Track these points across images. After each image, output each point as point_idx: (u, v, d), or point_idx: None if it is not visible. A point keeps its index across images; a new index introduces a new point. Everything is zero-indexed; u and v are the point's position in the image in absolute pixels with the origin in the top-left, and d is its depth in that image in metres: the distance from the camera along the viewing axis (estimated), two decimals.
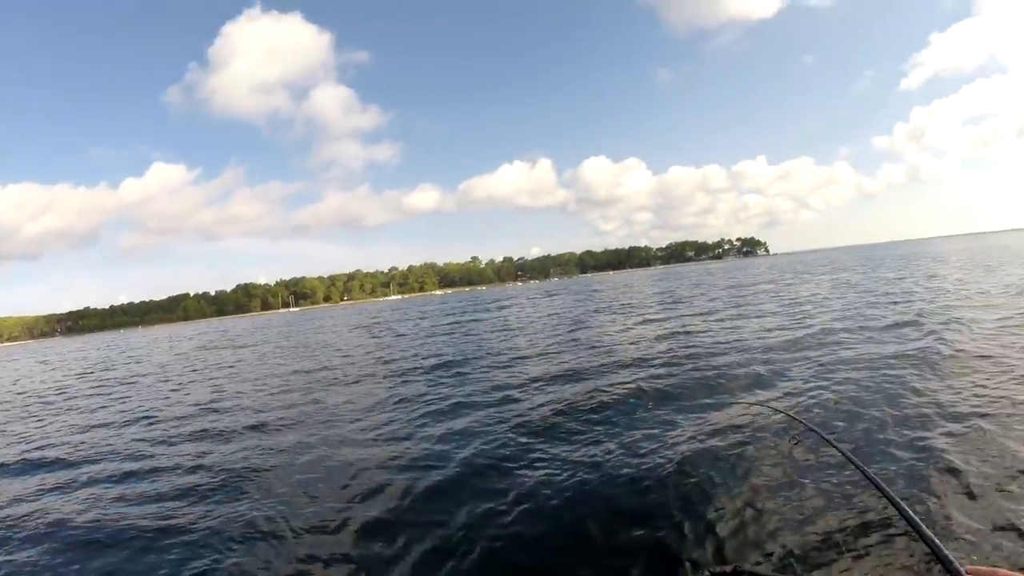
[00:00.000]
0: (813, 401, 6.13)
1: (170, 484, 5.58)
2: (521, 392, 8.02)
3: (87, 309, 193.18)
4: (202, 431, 7.79)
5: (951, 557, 1.08)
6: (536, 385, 8.42)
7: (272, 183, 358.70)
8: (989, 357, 7.29)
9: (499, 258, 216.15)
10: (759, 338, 10.73)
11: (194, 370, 17.19)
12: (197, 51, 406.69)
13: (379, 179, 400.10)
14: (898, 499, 1.45)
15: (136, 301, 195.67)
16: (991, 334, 8.77)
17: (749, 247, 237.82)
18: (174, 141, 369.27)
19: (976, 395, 5.70)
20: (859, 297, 17.04)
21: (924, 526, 1.25)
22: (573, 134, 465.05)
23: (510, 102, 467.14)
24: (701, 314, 17.05)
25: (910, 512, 1.35)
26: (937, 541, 1.16)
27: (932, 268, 27.99)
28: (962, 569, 1.03)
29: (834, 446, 2.24)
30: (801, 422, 2.84)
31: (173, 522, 4.58)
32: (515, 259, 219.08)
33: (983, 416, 5.05)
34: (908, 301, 14.43)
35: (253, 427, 7.61)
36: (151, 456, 6.81)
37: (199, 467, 6.03)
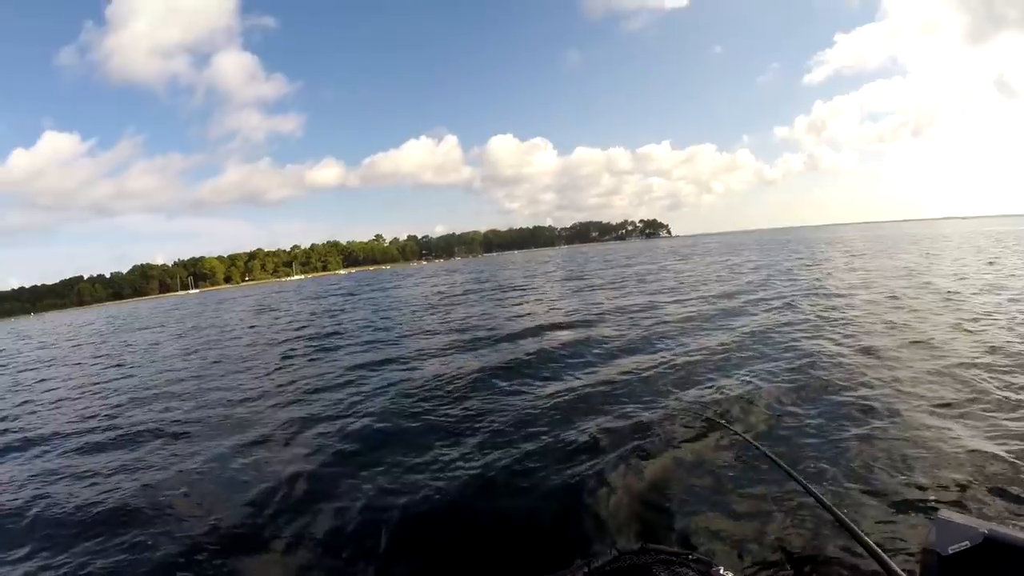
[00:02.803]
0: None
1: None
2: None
3: None
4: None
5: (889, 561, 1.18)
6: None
7: (171, 155, 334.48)
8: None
9: (403, 236, 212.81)
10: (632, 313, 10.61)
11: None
12: (94, 8, 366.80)
13: (282, 152, 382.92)
14: (824, 499, 1.53)
15: (27, 286, 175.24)
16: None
17: (652, 229, 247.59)
18: (67, 108, 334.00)
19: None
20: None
21: (854, 525, 1.35)
22: (480, 111, 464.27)
23: (418, 75, 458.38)
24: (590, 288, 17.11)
25: (842, 515, 1.43)
26: (875, 547, 1.29)
27: (819, 252, 30.88)
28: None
29: (753, 444, 2.35)
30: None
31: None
32: (420, 237, 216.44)
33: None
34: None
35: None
36: None
37: None
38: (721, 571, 1.49)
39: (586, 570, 1.65)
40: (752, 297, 12.53)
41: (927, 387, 5.11)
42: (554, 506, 3.54)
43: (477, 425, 5.16)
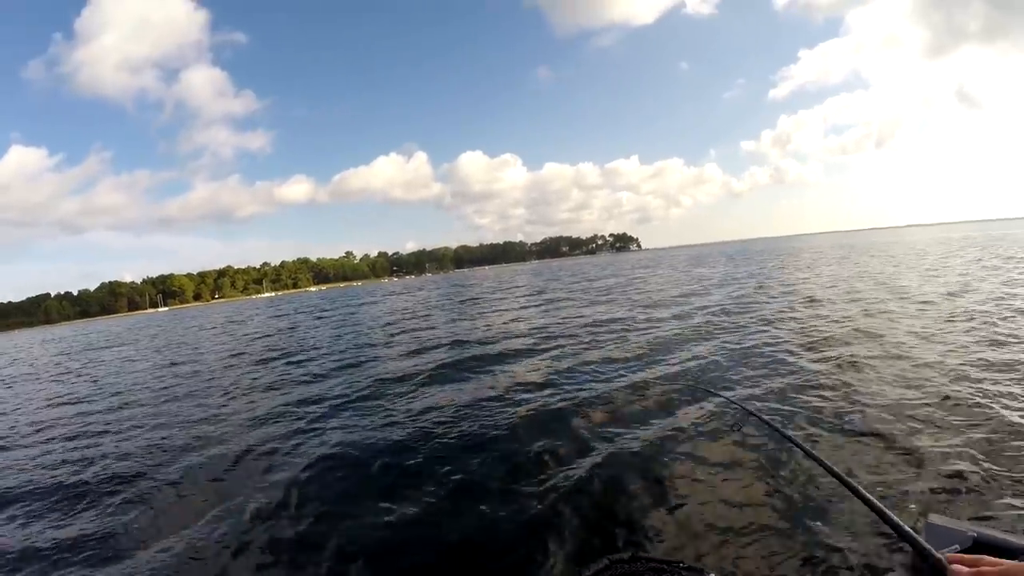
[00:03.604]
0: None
1: None
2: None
3: None
4: None
5: (930, 548, 1.00)
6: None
7: (139, 172, 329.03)
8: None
9: (374, 253, 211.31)
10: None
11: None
12: (63, 21, 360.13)
13: (251, 169, 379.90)
14: (842, 474, 1.30)
15: None
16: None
17: (622, 243, 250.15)
18: (34, 122, 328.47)
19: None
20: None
21: (875, 499, 1.14)
22: (450, 128, 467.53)
23: (388, 92, 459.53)
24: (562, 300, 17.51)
25: (863, 491, 1.23)
26: (915, 535, 1.05)
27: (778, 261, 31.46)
28: (943, 557, 0.96)
29: (764, 421, 2.05)
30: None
31: None
32: (390, 254, 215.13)
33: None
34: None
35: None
36: None
37: None
38: None
39: None
40: (700, 303, 13.06)
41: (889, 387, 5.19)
42: (530, 517, 3.42)
43: (446, 434, 5.14)
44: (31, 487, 5.28)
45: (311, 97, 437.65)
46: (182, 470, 5.16)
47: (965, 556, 0.95)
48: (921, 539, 1.03)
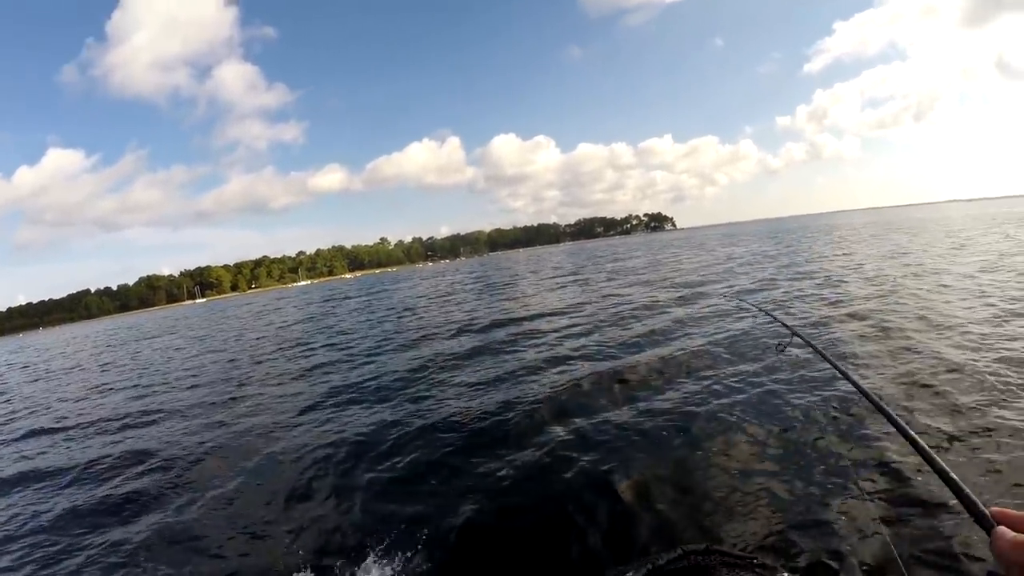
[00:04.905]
0: None
1: None
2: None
3: None
4: None
5: (976, 500, 0.86)
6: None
7: (174, 168, 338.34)
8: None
9: (408, 238, 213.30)
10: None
11: None
12: (95, 25, 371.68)
13: (284, 160, 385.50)
14: (907, 428, 1.09)
15: (35, 301, 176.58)
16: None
17: (656, 222, 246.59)
18: (70, 125, 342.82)
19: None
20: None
21: (941, 460, 0.97)
22: (482, 112, 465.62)
23: (418, 79, 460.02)
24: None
25: (924, 445, 1.03)
26: (960, 483, 0.91)
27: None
28: (987, 511, 0.82)
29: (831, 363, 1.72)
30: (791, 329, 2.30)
31: None
32: (424, 239, 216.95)
33: None
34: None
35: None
36: None
37: None
38: None
39: (650, 567, 1.77)
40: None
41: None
42: (603, 504, 3.39)
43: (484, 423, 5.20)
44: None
45: (343, 87, 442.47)
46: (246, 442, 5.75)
47: (1010, 512, 0.81)
48: (967, 488, 0.91)
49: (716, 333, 7.58)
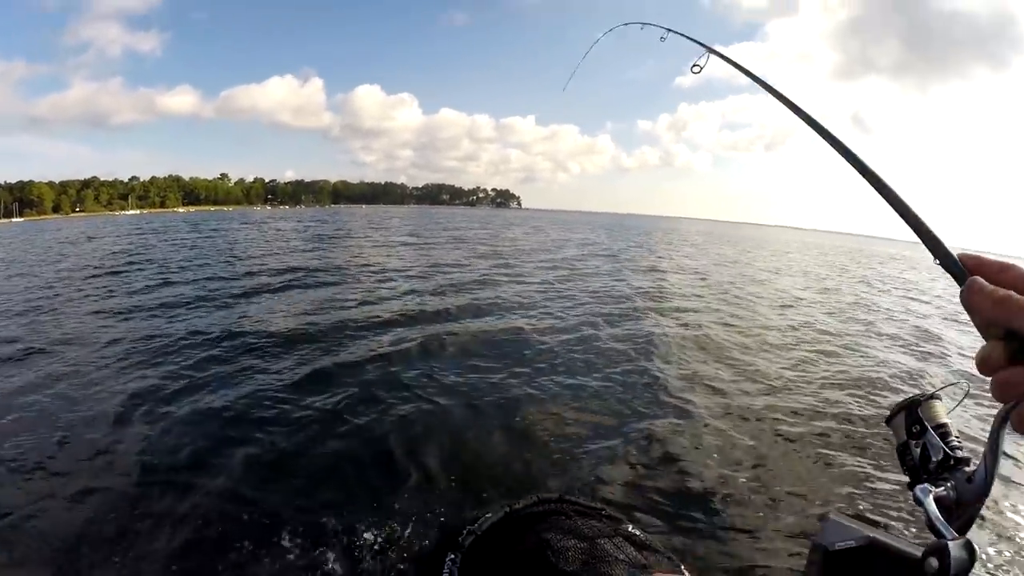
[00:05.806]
0: None
1: None
2: None
3: None
4: None
5: (949, 251, 0.60)
6: None
7: (15, 61, 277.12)
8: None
9: (250, 178, 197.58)
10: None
11: None
12: None
13: (136, 72, 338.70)
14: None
15: None
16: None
17: (503, 199, 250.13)
18: None
19: None
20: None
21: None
22: (350, 57, 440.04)
23: (294, 9, 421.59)
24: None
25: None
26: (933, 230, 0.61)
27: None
28: (957, 257, 0.58)
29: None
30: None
31: None
32: (267, 181, 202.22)
33: None
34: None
35: None
36: None
37: None
38: (630, 528, 1.61)
39: (507, 510, 1.90)
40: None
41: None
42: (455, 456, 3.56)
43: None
44: None
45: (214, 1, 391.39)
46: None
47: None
48: (944, 243, 0.60)
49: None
